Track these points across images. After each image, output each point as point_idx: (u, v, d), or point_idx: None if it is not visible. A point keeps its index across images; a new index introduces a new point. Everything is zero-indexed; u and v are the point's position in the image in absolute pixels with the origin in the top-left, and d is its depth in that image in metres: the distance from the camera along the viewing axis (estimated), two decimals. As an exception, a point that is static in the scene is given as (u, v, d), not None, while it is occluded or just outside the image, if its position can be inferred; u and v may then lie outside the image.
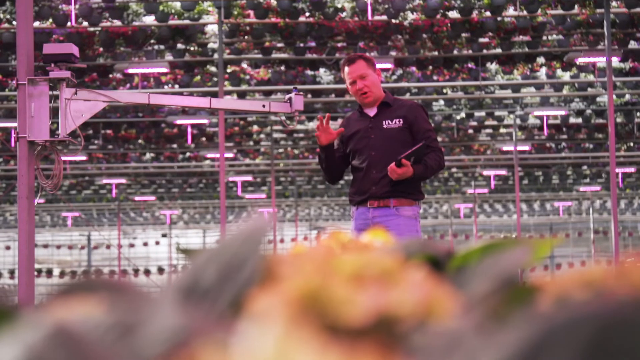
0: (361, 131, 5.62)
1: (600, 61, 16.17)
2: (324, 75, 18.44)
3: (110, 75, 17.52)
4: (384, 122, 5.58)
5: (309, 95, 18.50)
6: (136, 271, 31.29)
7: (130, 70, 16.03)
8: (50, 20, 14.10)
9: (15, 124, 6.41)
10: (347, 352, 0.38)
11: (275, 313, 0.50)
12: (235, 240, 0.63)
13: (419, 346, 0.47)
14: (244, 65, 17.98)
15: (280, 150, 26.21)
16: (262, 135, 24.28)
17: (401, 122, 5.55)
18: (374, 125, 5.60)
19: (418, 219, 5.56)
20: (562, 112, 20.68)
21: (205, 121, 20.22)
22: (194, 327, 0.43)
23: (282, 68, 17.58)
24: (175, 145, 24.34)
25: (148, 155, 26.67)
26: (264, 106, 6.53)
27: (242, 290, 0.57)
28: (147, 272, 30.96)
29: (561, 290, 0.61)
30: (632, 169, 28.95)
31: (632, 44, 16.37)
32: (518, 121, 22.08)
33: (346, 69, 5.67)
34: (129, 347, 0.42)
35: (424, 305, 0.56)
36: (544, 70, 18.57)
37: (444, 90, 19.61)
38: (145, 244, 37.95)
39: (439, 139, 23.90)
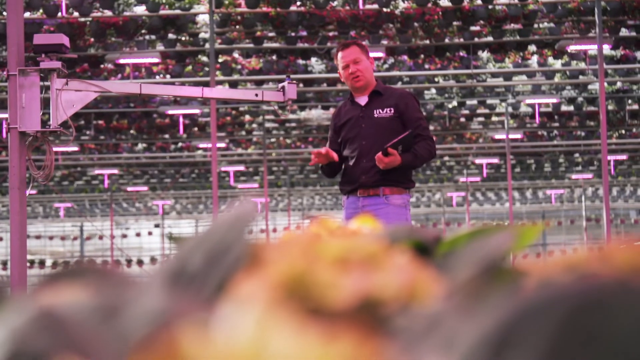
0: (352, 120, 5.61)
1: (592, 49, 16.18)
2: (316, 64, 18.44)
3: (102, 66, 17.48)
4: (375, 111, 5.57)
5: (301, 85, 18.50)
6: (129, 261, 31.28)
7: (122, 61, 16.01)
8: (41, 10, 14.07)
9: (5, 115, 6.42)
10: (327, 332, 0.38)
11: (258, 296, 0.50)
12: (221, 226, 0.64)
13: (399, 328, 0.47)
14: (236, 55, 17.97)
15: (273, 139, 26.20)
16: (254, 125, 24.27)
17: (392, 111, 5.54)
18: (364, 114, 5.59)
19: (408, 207, 5.56)
20: (554, 100, 20.70)
21: (197, 111, 20.21)
22: (176, 309, 0.43)
23: (274, 57, 17.56)
24: (167, 136, 24.32)
25: (140, 146, 26.65)
26: (256, 95, 6.53)
27: (228, 275, 0.58)
28: (139, 262, 30.95)
29: (544, 273, 0.61)
30: (623, 157, 29.01)
31: (623, 32, 16.38)
32: (510, 109, 22.11)
33: (340, 53, 5.65)
34: (113, 329, 0.42)
35: (408, 288, 0.56)
36: (535, 58, 18.58)
37: (436, 79, 19.62)
38: (138, 235, 37.95)
39: (431, 127, 23.92)
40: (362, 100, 5.65)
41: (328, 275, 0.54)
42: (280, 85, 6.36)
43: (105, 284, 0.54)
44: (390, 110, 5.55)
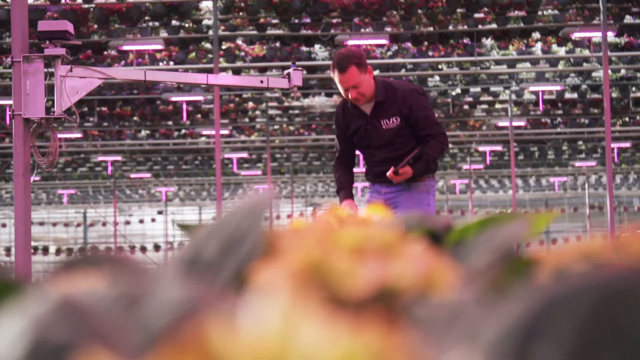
0: (360, 130, 5.54)
1: (596, 36, 16.14)
2: (319, 51, 18.42)
3: (105, 53, 17.47)
4: (382, 122, 5.47)
5: (304, 72, 18.47)
6: (132, 248, 31.30)
7: (125, 47, 15.98)
8: (44, -3, 14.06)
9: (9, 101, 6.42)
10: (352, 324, 0.38)
11: (279, 285, 0.50)
12: (236, 215, 0.64)
13: (420, 318, 0.47)
14: (239, 41, 17.94)
15: (276, 126, 26.19)
16: (257, 112, 24.25)
17: (398, 120, 5.44)
18: (372, 125, 5.49)
19: (431, 192, 5.54)
20: (558, 88, 20.67)
21: (200, 98, 20.20)
22: (199, 299, 0.43)
23: (277, 44, 17.54)
24: (170, 123, 24.31)
25: (143, 133, 26.65)
26: (262, 82, 6.52)
27: (244, 264, 0.58)
28: (143, 249, 30.97)
29: (559, 262, 0.61)
30: (627, 144, 28.98)
31: (628, 19, 16.35)
32: (513, 97, 22.08)
33: (337, 76, 5.40)
34: (136, 319, 0.42)
35: (424, 277, 0.56)
36: (539, 45, 18.55)
37: (440, 66, 19.60)
38: (141, 221, 37.95)
39: (435, 114, 23.89)
40: (367, 107, 5.54)
41: (345, 264, 0.54)
42: (285, 72, 6.35)
43: (122, 273, 0.54)
44: (396, 120, 5.44)
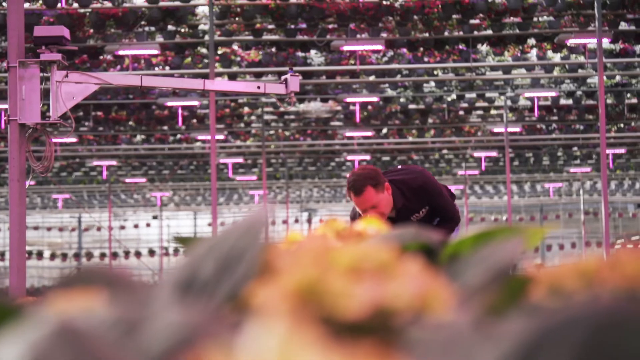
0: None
1: (591, 42, 16.17)
2: (315, 56, 18.43)
3: (101, 57, 17.46)
4: (410, 218, 5.38)
5: (300, 77, 18.47)
6: (127, 253, 31.27)
7: (121, 52, 15.98)
8: (40, 1, 14.04)
9: (4, 106, 6.40)
10: (348, 349, 0.39)
11: (275, 308, 0.50)
12: (233, 233, 0.64)
13: (415, 340, 0.47)
14: (235, 47, 17.95)
15: (271, 132, 26.19)
16: (252, 117, 24.25)
17: (426, 209, 5.33)
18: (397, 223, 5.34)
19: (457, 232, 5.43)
20: (553, 94, 20.70)
21: (196, 103, 20.19)
22: (197, 324, 0.43)
23: (273, 50, 17.54)
24: (165, 127, 24.30)
25: (139, 137, 26.63)
26: (259, 87, 6.52)
27: (241, 284, 0.58)
28: (138, 254, 30.95)
29: (555, 281, 0.61)
30: (622, 150, 29.01)
31: (623, 25, 16.38)
32: (509, 102, 22.10)
33: (353, 197, 5.11)
34: (134, 344, 0.42)
35: (421, 298, 0.56)
36: (534, 51, 18.57)
37: (435, 72, 19.61)
38: (136, 226, 37.93)
39: (430, 120, 23.96)
40: (391, 213, 5.27)
41: (341, 284, 0.55)
42: (283, 77, 6.35)
43: (119, 292, 0.54)
44: (424, 210, 5.32)
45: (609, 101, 21.56)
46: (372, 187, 5.05)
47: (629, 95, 21.69)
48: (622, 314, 0.39)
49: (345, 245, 0.63)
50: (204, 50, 17.42)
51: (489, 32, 16.36)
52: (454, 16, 15.44)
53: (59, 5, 14.04)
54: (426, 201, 5.25)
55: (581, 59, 18.20)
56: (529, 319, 0.40)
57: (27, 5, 13.90)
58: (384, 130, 25.79)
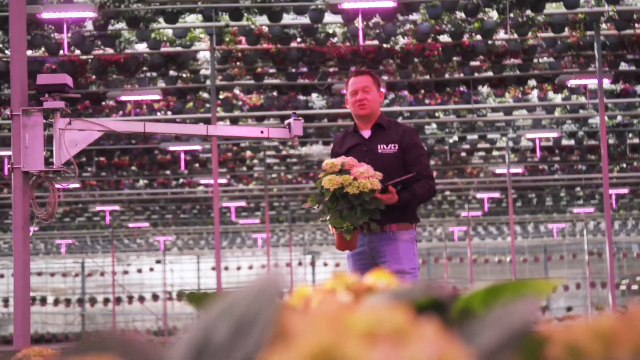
0: (355, 152, 5.50)
1: (592, 83, 16.22)
2: (316, 100, 18.48)
3: (103, 103, 17.52)
4: (378, 145, 5.52)
5: (302, 121, 18.51)
6: (130, 298, 31.18)
7: (123, 98, 16.04)
8: (43, 48, 14.10)
9: (7, 152, 6.43)
10: None
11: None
12: (246, 296, 0.64)
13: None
14: (237, 91, 18.01)
15: (274, 175, 26.21)
16: (255, 161, 24.29)
17: (396, 147, 5.50)
18: (368, 148, 5.53)
19: (415, 242, 5.50)
20: (555, 134, 20.72)
21: (198, 147, 20.22)
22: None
23: (275, 93, 17.61)
24: (168, 172, 24.33)
25: (141, 182, 26.66)
26: (262, 132, 6.53)
27: (255, 349, 0.57)
28: (141, 299, 30.87)
29: (571, 342, 0.61)
30: (625, 190, 28.99)
31: (623, 66, 16.44)
32: (510, 144, 22.13)
33: (352, 79, 5.66)
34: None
35: (437, 362, 0.56)
36: (535, 92, 18.63)
37: (436, 114, 19.67)
38: (139, 271, 37.87)
39: (432, 162, 23.95)
40: (366, 132, 5.60)
41: (357, 349, 0.54)
42: (286, 122, 6.37)
43: (134, 358, 0.54)
44: (394, 147, 5.50)
45: (610, 141, 21.59)
46: (372, 77, 5.71)
47: (630, 135, 21.71)
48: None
49: (358, 305, 0.63)
50: (205, 95, 17.49)
51: (490, 73, 16.41)
52: (455, 58, 15.49)
53: (61, 52, 14.10)
54: (404, 139, 5.45)
55: (582, 99, 18.25)
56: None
57: (29, 52, 13.96)
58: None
